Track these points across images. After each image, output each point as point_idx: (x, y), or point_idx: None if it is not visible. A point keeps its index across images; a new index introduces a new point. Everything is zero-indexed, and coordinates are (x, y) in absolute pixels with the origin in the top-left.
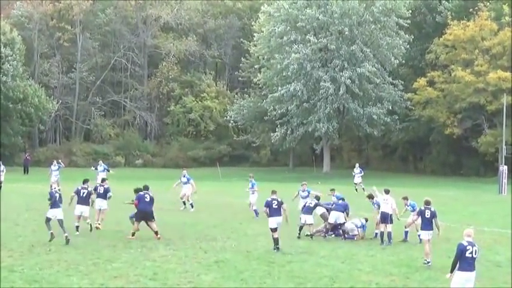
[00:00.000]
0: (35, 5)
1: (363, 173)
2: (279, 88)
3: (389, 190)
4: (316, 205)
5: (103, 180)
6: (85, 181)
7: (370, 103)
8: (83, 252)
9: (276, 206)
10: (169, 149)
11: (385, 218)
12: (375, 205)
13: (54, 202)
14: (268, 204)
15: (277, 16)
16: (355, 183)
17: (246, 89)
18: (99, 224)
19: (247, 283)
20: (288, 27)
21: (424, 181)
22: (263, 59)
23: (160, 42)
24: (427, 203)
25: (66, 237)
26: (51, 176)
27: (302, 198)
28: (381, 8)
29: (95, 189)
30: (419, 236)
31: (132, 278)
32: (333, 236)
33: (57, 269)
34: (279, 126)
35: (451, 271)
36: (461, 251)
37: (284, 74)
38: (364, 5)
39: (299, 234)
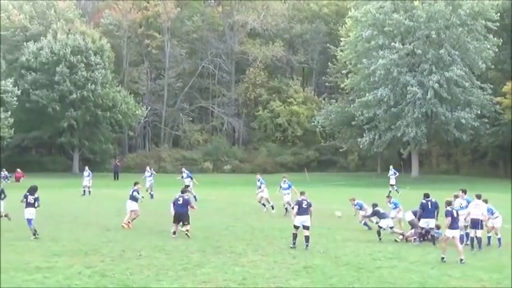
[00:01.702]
0: (124, 13)
1: (397, 175)
2: (366, 93)
3: (481, 195)
4: (374, 213)
5: (186, 186)
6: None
7: (459, 107)
8: (172, 258)
9: (305, 206)
10: (257, 155)
11: (476, 224)
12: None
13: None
14: (298, 204)
15: (364, 21)
16: (391, 185)
17: (333, 94)
18: (126, 224)
19: None
20: (375, 32)
21: None
22: (350, 64)
23: (247, 48)
24: (449, 203)
25: None
26: (145, 182)
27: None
28: (468, 11)
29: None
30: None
31: (221, 283)
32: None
33: (148, 273)
34: (366, 131)
35: None
36: None
37: (371, 79)
38: (451, 7)
39: (379, 237)
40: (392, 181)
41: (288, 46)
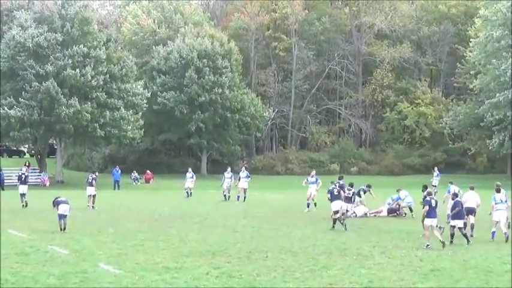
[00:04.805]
0: (252, 16)
1: (439, 177)
2: (497, 94)
3: None
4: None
5: None
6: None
7: None
8: (299, 259)
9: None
10: (384, 157)
11: None
12: None
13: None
14: (456, 205)
15: (494, 20)
16: (434, 186)
17: (461, 95)
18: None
19: None
20: (506, 32)
21: None
22: (479, 64)
23: (374, 49)
24: (430, 193)
25: None
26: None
27: None
28: None
29: None
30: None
31: (347, 286)
32: None
33: (274, 275)
34: (496, 132)
35: None
36: None
37: (501, 79)
38: None
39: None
40: (435, 182)
41: (416, 47)
